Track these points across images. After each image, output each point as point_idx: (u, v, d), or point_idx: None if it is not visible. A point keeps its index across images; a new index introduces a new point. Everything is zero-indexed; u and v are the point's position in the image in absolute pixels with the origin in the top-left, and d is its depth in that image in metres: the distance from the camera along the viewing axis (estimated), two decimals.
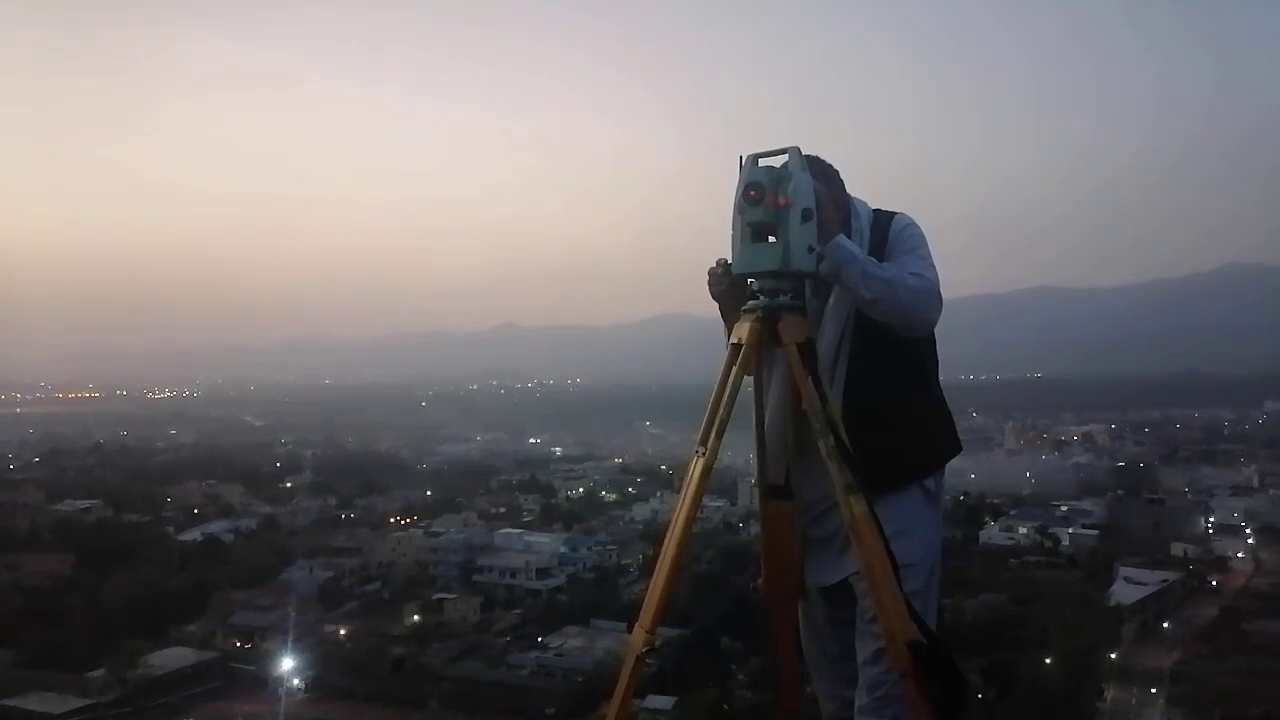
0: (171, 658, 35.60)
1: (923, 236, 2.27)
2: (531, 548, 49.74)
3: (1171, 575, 44.58)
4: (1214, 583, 46.97)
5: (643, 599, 2.16)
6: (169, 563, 45.32)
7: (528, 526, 56.74)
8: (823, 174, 2.21)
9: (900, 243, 2.23)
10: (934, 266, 2.22)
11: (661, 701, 27.62)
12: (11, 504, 55.61)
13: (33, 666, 33.59)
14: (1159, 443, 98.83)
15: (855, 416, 2.12)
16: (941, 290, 2.21)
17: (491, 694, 33.07)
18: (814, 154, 2.21)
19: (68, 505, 56.98)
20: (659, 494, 63.32)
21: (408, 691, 33.19)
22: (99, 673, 32.84)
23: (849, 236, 2.17)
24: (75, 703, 31.17)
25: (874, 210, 2.31)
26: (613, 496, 70.50)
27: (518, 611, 44.14)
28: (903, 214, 2.30)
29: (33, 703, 30.67)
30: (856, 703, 2.18)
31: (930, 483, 2.26)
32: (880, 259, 2.17)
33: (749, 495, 51.90)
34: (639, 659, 2.08)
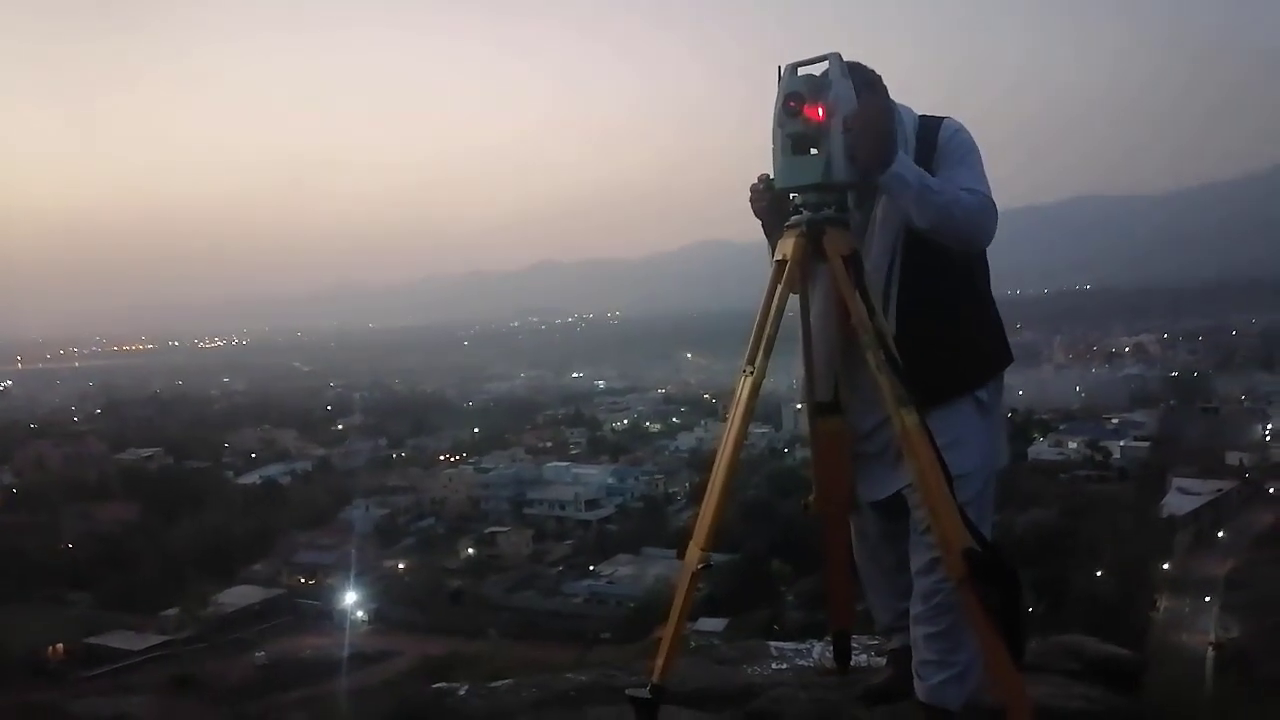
0: (240, 596, 37.12)
1: (973, 144, 2.18)
2: (579, 480, 50.50)
3: (1226, 484, 43.94)
4: (1271, 490, 46.24)
5: (693, 522, 2.18)
6: (232, 506, 46.91)
7: (575, 459, 57.48)
8: (866, 82, 2.13)
9: (949, 151, 2.15)
10: (985, 177, 2.15)
11: (713, 624, 28.21)
12: (78, 455, 57.67)
13: (110, 608, 35.27)
14: (1214, 350, 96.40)
15: (907, 330, 2.10)
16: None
17: (548, 622, 34.06)
18: (855, 61, 2.14)
19: (131, 454, 58.94)
20: (703, 422, 63.62)
21: (467, 621, 34.29)
22: (173, 611, 34.38)
23: None
24: (154, 640, 32.76)
25: (919, 116, 2.23)
26: (657, 427, 71.01)
27: (569, 542, 45.10)
28: (950, 119, 2.21)
29: (115, 640, 32.31)
30: (911, 612, 2.19)
31: (983, 394, 2.22)
32: (928, 167, 2.09)
33: (793, 420, 51.94)
34: (695, 575, 2.10)
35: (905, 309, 2.14)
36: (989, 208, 2.10)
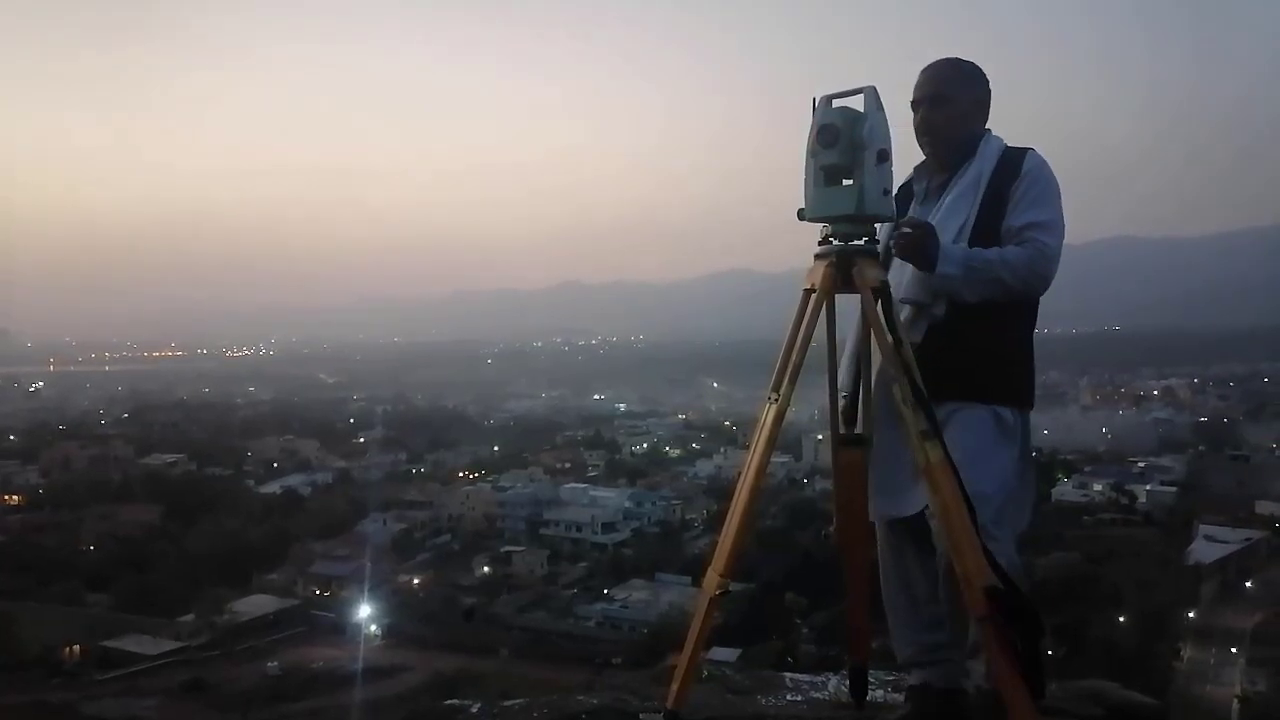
0: (255, 604, 37.22)
1: (1052, 179, 2.24)
2: (596, 502, 50.40)
3: (1255, 534, 43.10)
4: None
5: (712, 549, 2.17)
6: (251, 514, 47.21)
7: (592, 482, 57.40)
8: (970, 75, 2.27)
9: (1030, 184, 2.20)
10: (1060, 215, 2.21)
11: (725, 653, 27.94)
12: (104, 457, 58.47)
13: (127, 610, 35.52)
14: (1245, 397, 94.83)
15: (945, 331, 2.16)
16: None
17: (559, 643, 33.89)
18: (958, 57, 2.29)
19: (155, 459, 59.61)
20: (723, 450, 63.35)
21: (479, 639, 34.20)
22: (189, 617, 34.56)
23: (971, 160, 2.23)
24: (168, 645, 32.91)
25: (1005, 146, 2.28)
26: (676, 452, 70.82)
27: (583, 564, 44.91)
28: (1035, 151, 2.26)
29: (130, 644, 32.50)
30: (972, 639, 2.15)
31: (1006, 413, 2.20)
32: (1006, 191, 2.18)
33: (813, 451, 51.59)
34: (713, 601, 2.09)
35: (950, 313, 2.18)
36: (1045, 254, 2.15)
